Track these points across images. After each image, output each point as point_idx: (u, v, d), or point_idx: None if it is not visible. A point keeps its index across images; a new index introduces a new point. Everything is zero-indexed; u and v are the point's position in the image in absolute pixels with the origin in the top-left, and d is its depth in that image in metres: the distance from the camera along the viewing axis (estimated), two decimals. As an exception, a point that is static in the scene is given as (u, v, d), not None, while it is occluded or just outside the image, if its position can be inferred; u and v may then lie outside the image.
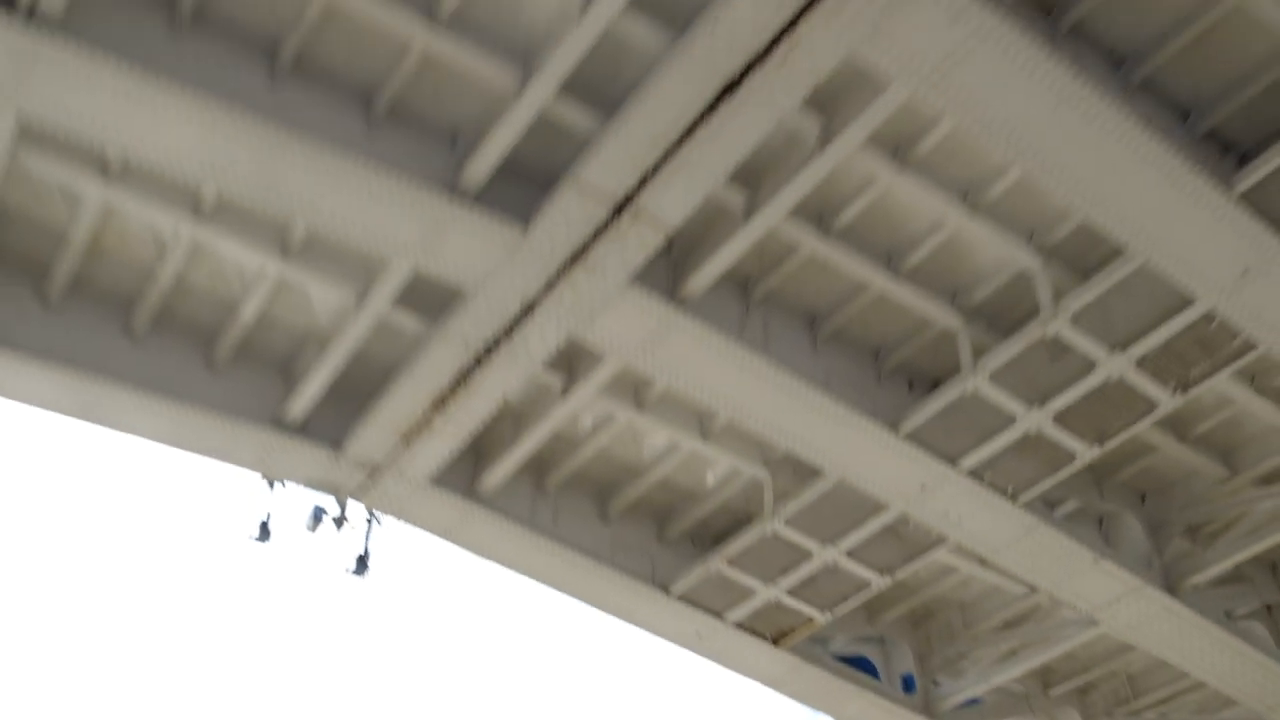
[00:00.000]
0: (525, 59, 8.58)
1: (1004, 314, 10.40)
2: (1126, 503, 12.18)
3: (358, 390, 11.03)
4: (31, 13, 7.74)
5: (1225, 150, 9.10)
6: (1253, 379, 10.83)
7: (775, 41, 7.84)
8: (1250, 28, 8.44)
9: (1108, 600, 11.73)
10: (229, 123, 8.30)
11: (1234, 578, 12.66)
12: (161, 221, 9.74)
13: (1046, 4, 8.40)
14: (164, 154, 8.48)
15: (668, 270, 9.83)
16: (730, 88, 8.11)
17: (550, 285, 9.48)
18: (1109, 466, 11.92)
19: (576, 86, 8.62)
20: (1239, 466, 11.79)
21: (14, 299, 10.19)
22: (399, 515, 11.92)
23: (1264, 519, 11.84)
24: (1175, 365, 9.85)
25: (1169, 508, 12.15)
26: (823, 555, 11.82)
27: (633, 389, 11.09)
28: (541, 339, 9.91)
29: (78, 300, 10.39)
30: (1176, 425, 11.51)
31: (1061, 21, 8.43)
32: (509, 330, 9.88)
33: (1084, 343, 9.69)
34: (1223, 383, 10.55)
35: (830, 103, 8.73)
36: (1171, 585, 11.87)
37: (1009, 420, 10.29)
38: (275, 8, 8.47)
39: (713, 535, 12.87)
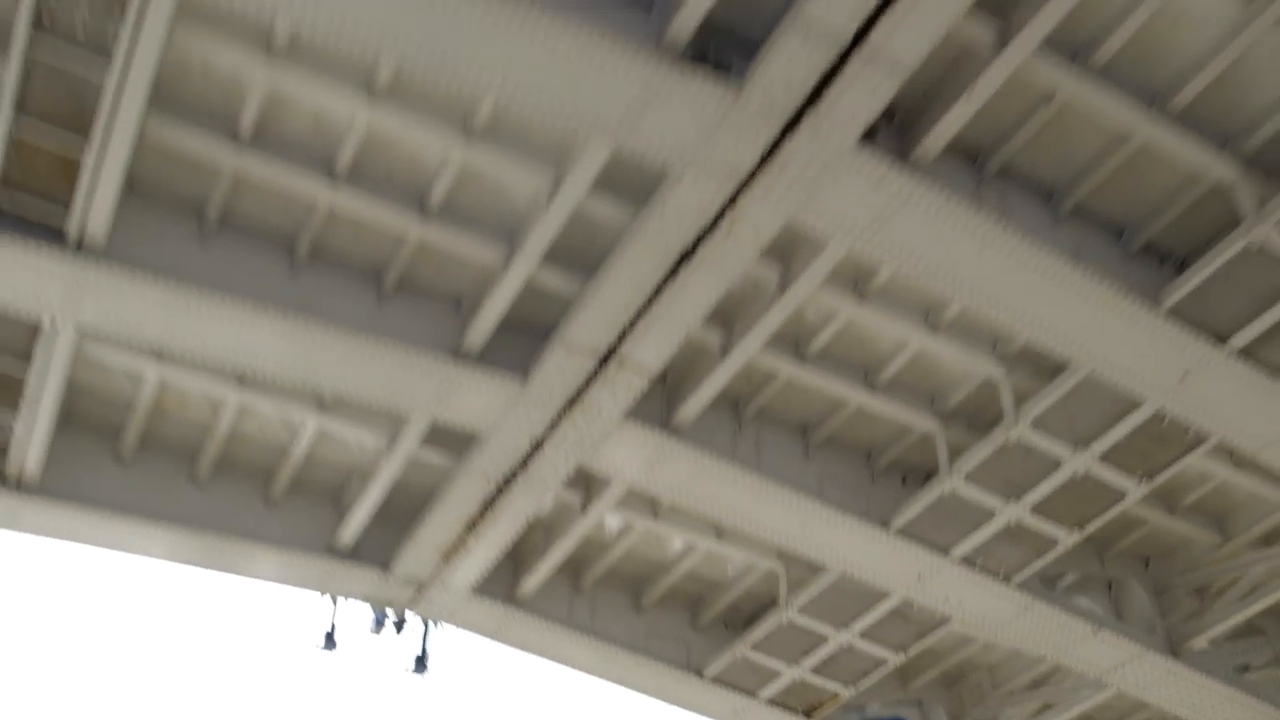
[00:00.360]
0: (510, 236, 9.70)
1: (980, 414, 11.19)
2: (1130, 569, 12.80)
3: (401, 514, 12.22)
4: (80, 245, 9.02)
5: (1163, 260, 9.81)
6: (1231, 453, 11.41)
7: (720, 216, 8.83)
8: (1162, 161, 9.17)
9: (1112, 666, 12.36)
10: (256, 317, 9.52)
11: (1247, 631, 13.18)
12: (212, 389, 11.00)
13: (973, 151, 9.23)
14: (204, 348, 9.73)
15: (662, 400, 10.84)
16: (685, 256, 9.12)
17: (554, 425, 10.55)
18: (1108, 538, 12.56)
19: (557, 256, 9.69)
20: (1233, 532, 12.33)
21: (92, 459, 11.54)
22: (448, 621, 13.08)
23: (1261, 578, 12.36)
24: (1138, 457, 10.54)
25: (1171, 572, 12.73)
26: (838, 638, 12.68)
27: (647, 502, 12.09)
28: (553, 469, 10.98)
29: (147, 456, 11.71)
30: (1165, 499, 12.12)
31: (988, 166, 9.26)
32: (523, 463, 10.97)
33: (1047, 444, 10.46)
34: (1201, 460, 11.20)
35: (785, 252, 9.67)
36: (1174, 648, 12.45)
37: (990, 514, 11.07)
38: (288, 209, 9.66)
39: (744, 618, 13.80)
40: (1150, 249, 9.80)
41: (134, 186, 9.18)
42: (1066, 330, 9.45)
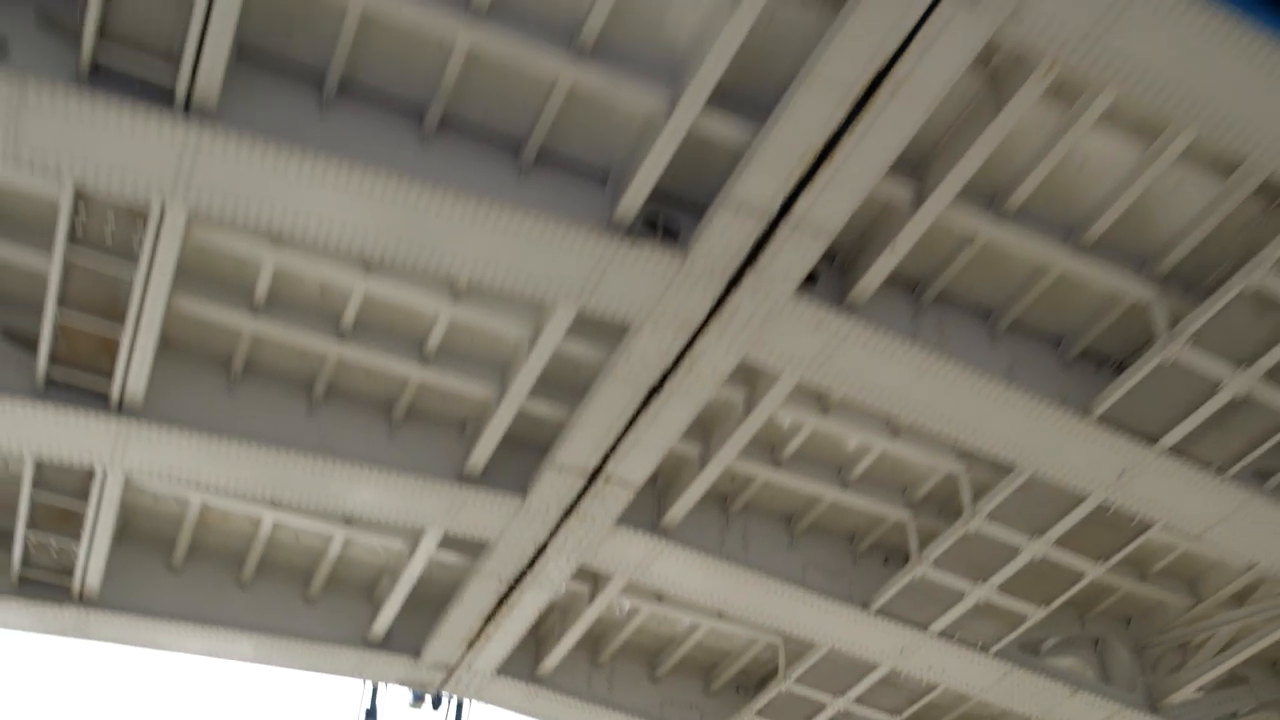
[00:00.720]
0: (501, 374, 10.81)
1: (948, 502, 12.10)
2: (1112, 629, 13.58)
3: (428, 604, 13.40)
4: (120, 406, 10.23)
5: (1100, 364, 10.70)
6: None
7: (680, 358, 9.87)
8: (1084, 285, 10.07)
9: (1094, 724, 13.20)
10: (281, 457, 10.67)
11: (1231, 681, 13.87)
12: (249, 510, 12.23)
13: (910, 282, 10.18)
14: (237, 484, 10.90)
15: (653, 503, 11.90)
16: (654, 391, 10.17)
17: (554, 532, 11.66)
18: (1087, 602, 13.38)
19: (544, 388, 10.78)
20: (1204, 593, 13.07)
21: (147, 570, 12.79)
22: (477, 698, 14.23)
23: (1237, 634, 13.07)
24: (1091, 541, 11.43)
25: (1150, 631, 13.51)
26: (834, 705, 13.66)
27: (651, 591, 13.14)
28: (558, 568, 12.09)
29: (196, 565, 12.96)
30: (1135, 566, 12.91)
31: (926, 294, 10.20)
32: (530, 565, 12.09)
33: (1006, 533, 11.37)
34: (1161, 534, 12.00)
35: (749, 376, 10.69)
36: (1153, 703, 13.23)
37: (960, 594, 11.99)
38: (303, 360, 10.81)
39: (755, 682, 14.81)
40: (1087, 354, 10.69)
41: (167, 346, 10.41)
42: (1005, 439, 10.37)
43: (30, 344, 9.98)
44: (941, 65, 7.99)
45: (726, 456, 11.14)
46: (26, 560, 12.04)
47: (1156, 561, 12.93)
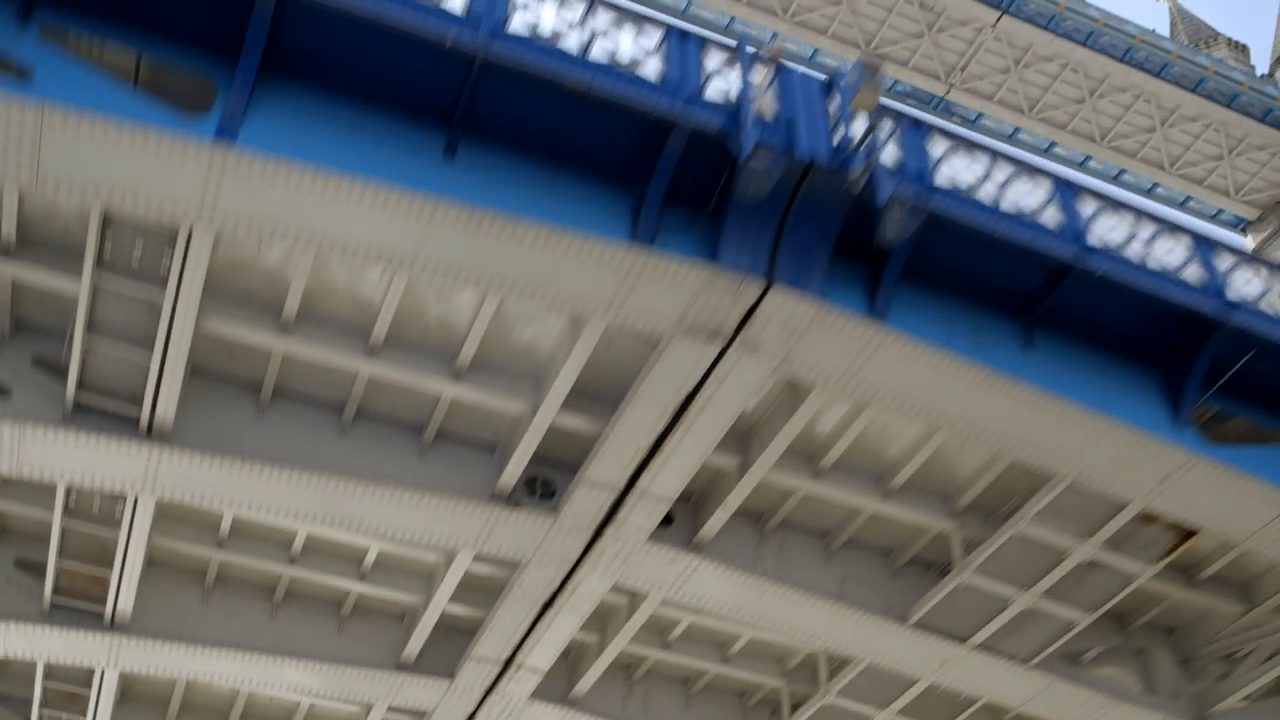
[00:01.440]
0: (427, 584, 13.02)
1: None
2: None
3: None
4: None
5: (927, 569, 12.77)
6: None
7: (564, 584, 12.06)
8: (897, 520, 12.22)
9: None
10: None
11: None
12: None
13: (755, 514, 12.33)
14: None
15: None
16: (547, 605, 12.34)
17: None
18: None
19: (460, 593, 12.96)
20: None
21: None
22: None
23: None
24: (929, 712, 13.55)
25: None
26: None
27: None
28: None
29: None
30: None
31: (769, 523, 12.35)
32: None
33: (852, 705, 13.52)
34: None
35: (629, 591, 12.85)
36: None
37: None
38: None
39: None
40: (915, 561, 12.78)
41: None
42: (838, 641, 12.63)
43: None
44: (735, 391, 10.17)
45: (619, 645, 13.29)
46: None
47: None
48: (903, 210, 8.96)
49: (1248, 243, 28.96)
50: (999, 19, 25.36)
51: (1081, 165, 28.59)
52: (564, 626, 12.62)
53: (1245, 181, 28.25)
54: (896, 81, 26.86)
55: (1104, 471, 10.83)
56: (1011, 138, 27.88)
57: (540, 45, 8.94)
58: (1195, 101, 26.76)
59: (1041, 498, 11.29)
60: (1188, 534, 11.74)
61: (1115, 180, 29.05)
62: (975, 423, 10.49)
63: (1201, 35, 32.95)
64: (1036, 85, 26.67)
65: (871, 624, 12.42)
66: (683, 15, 25.95)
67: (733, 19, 26.09)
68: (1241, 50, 32.51)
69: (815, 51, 26.31)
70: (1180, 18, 34.04)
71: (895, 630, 12.47)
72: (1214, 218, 29.22)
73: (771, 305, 9.52)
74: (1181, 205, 29.08)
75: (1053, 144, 28.01)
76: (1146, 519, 11.51)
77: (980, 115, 27.42)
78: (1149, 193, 28.81)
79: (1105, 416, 10.43)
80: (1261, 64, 32.12)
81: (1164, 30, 34.77)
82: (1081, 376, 10.64)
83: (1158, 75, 26.30)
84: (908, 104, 27.83)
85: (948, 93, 27.02)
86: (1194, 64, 26.83)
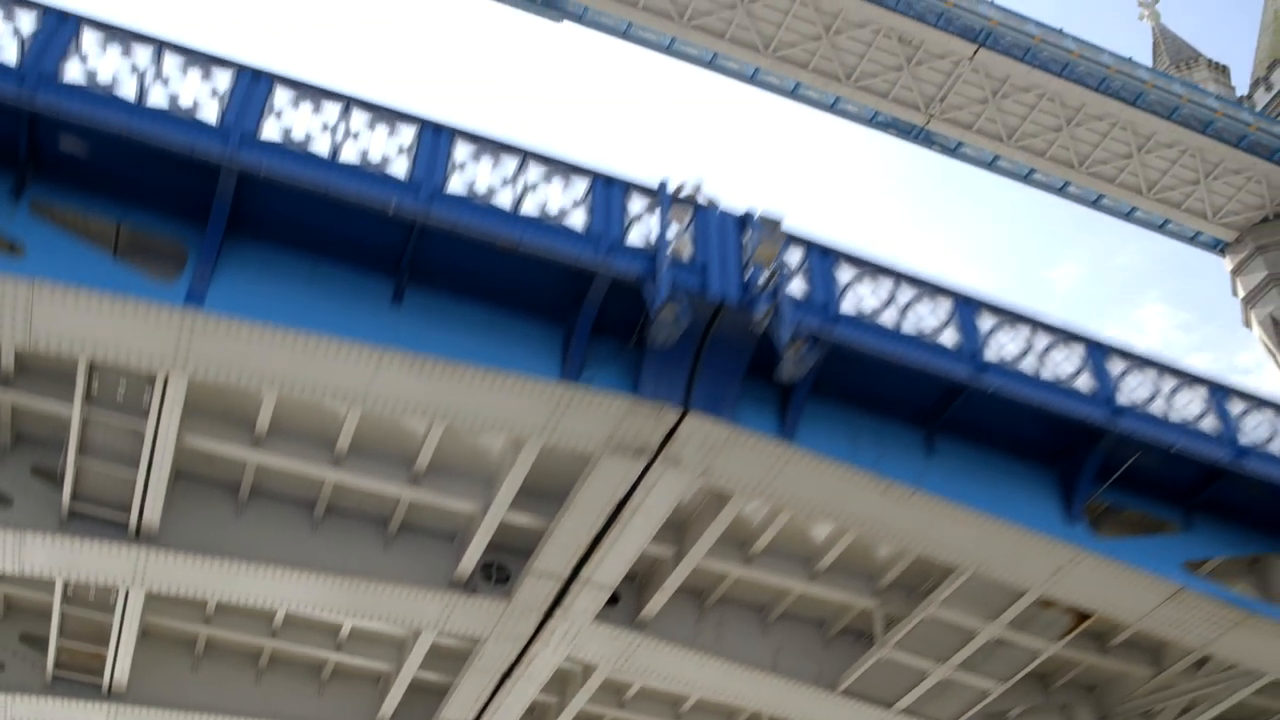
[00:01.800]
0: (398, 653, 14.20)
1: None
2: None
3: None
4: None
5: (859, 637, 13.86)
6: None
7: (519, 659, 13.19)
8: (821, 599, 13.27)
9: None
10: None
11: None
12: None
13: (696, 591, 13.42)
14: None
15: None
16: (506, 675, 13.50)
17: None
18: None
19: (430, 661, 14.15)
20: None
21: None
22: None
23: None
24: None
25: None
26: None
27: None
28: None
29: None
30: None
31: (709, 599, 13.45)
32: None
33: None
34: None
35: (581, 665, 13.97)
36: None
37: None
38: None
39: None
40: (847, 630, 13.87)
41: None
42: (774, 705, 13.69)
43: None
44: (662, 498, 11.26)
45: (576, 706, 14.45)
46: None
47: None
48: (799, 353, 9.98)
49: (1226, 264, 29.94)
50: (976, 52, 26.13)
51: (1061, 190, 29.53)
52: (524, 692, 13.79)
53: (1222, 205, 28.85)
54: (877, 113, 27.78)
55: (1001, 564, 11.92)
56: (991, 165, 28.85)
57: (475, 205, 10.05)
58: (1170, 128, 27.37)
59: (949, 585, 12.41)
60: (1084, 615, 12.75)
61: (1094, 205, 29.96)
62: (881, 525, 11.60)
63: (1183, 56, 33.83)
64: (1014, 114, 27.38)
65: (804, 692, 13.56)
66: (667, 50, 27.02)
67: (715, 55, 26.88)
68: (1222, 71, 33.35)
69: (798, 85, 27.31)
70: (1163, 38, 34.87)
71: (826, 697, 13.61)
72: (1192, 240, 30.08)
73: (689, 428, 10.60)
74: (1160, 228, 30.00)
75: (1032, 170, 28.82)
76: (1046, 603, 12.59)
77: (960, 144, 28.23)
78: (1128, 216, 29.65)
79: (1000, 519, 11.43)
80: (1242, 85, 33.02)
81: (1147, 50, 35.49)
82: (980, 479, 11.69)
83: (1133, 104, 26.96)
84: (889, 134, 28.86)
85: (927, 123, 27.79)
86: (1168, 92, 27.47)
